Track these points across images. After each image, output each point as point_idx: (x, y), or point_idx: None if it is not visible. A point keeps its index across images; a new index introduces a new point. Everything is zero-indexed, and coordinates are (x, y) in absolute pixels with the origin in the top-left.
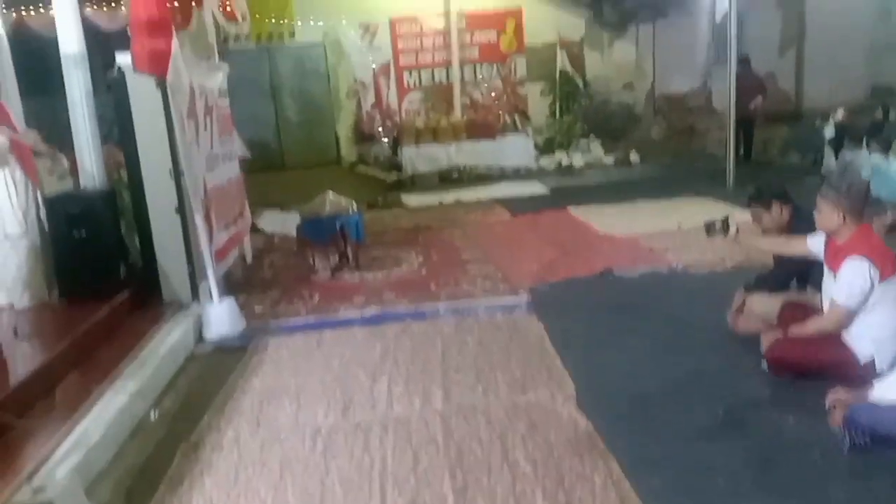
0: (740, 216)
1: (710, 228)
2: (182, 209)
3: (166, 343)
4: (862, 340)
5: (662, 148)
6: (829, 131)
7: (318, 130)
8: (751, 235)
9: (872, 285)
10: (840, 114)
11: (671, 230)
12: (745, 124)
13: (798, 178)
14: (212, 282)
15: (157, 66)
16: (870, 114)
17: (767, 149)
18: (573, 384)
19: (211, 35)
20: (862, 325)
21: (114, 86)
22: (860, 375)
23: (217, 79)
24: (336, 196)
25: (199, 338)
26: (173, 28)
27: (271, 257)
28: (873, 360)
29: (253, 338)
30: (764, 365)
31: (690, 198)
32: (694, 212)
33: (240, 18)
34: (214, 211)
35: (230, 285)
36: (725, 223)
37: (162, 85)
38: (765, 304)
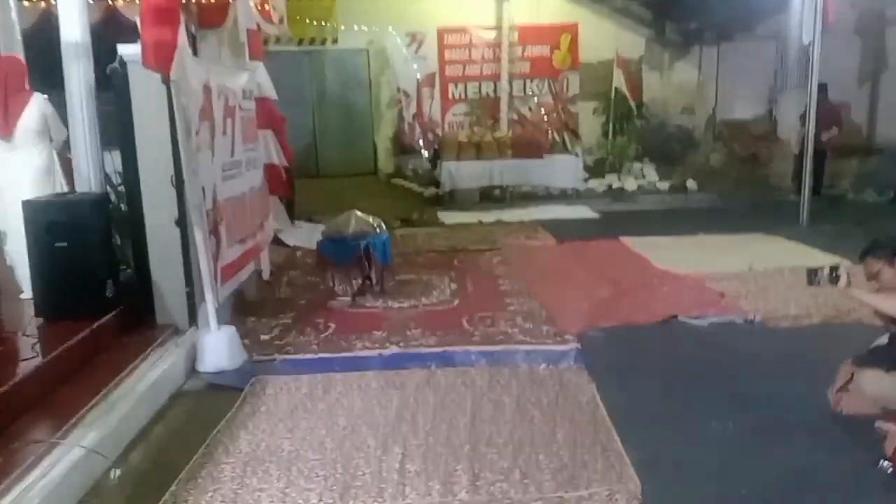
0: (849, 266)
1: (812, 276)
2: (183, 222)
3: (148, 378)
4: None
5: (722, 176)
6: None
7: (356, 139)
8: (865, 290)
9: None
10: None
11: (741, 272)
12: (817, 157)
13: (880, 219)
14: (210, 307)
15: (162, 59)
16: None
17: (836, 184)
18: (638, 481)
19: (242, 34)
20: None
21: (114, 79)
22: None
23: (242, 80)
24: (363, 214)
25: (193, 369)
26: (182, 17)
27: (290, 275)
28: None
29: (253, 375)
30: (886, 466)
31: (760, 235)
32: (765, 251)
33: (276, 20)
34: (227, 224)
35: (240, 305)
36: (834, 272)
37: (169, 82)
38: (881, 384)
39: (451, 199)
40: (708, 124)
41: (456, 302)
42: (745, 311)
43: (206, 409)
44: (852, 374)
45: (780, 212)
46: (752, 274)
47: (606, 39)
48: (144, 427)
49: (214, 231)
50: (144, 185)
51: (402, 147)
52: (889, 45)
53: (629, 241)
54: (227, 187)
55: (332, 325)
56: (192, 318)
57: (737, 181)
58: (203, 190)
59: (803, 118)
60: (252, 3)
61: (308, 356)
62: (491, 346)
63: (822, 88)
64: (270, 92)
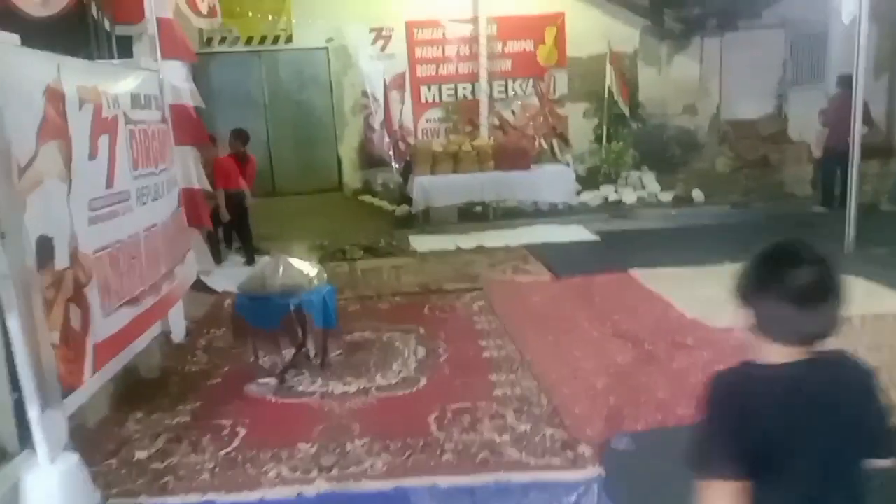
0: None
1: None
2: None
3: None
4: None
5: (730, 184)
6: None
7: (317, 151)
8: None
9: None
10: None
11: None
12: (839, 160)
13: None
14: (37, 429)
15: None
16: None
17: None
18: None
19: (151, 25)
20: None
21: None
22: None
23: (129, 81)
24: (296, 260)
25: None
26: None
27: (212, 335)
28: None
29: None
30: None
31: None
32: None
33: (204, 11)
34: (103, 283)
35: (130, 388)
36: None
37: None
38: None
39: (426, 219)
40: (712, 125)
41: (422, 382)
42: None
43: None
44: None
45: (811, 229)
46: None
47: (597, 31)
48: None
49: (76, 298)
50: None
51: (371, 159)
52: None
53: (640, 275)
54: (101, 231)
55: (242, 431)
56: (26, 436)
57: (747, 189)
58: (51, 242)
59: (823, 115)
60: None
61: (190, 499)
62: (470, 476)
63: (846, 81)
64: (191, 98)
